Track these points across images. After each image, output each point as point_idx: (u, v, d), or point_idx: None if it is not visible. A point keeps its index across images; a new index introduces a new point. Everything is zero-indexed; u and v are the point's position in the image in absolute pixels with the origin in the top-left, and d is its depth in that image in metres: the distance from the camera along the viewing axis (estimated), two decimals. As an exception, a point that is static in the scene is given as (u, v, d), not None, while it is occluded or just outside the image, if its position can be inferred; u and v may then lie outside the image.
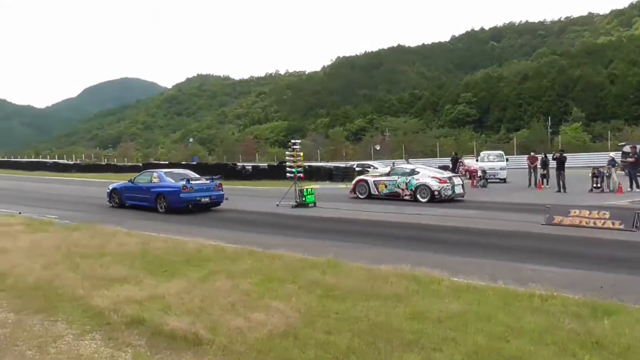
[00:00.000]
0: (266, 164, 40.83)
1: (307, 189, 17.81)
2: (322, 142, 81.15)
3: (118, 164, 60.77)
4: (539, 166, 24.30)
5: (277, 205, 17.45)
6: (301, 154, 18.89)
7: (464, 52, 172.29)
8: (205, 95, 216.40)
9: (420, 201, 18.39)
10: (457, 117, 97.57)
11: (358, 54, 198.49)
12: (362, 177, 21.90)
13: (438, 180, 18.62)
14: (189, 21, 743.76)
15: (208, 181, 17.16)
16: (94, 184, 32.93)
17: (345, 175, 32.06)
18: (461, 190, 19.25)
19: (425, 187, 18.69)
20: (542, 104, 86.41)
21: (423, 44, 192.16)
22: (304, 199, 17.39)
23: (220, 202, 17.04)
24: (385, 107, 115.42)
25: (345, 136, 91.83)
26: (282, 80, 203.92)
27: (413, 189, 18.92)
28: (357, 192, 20.46)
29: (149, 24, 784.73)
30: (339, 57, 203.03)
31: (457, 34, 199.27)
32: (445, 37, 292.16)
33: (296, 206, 17.15)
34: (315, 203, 17.52)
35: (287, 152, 19.23)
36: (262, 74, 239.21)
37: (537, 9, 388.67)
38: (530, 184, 24.48)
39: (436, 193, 18.32)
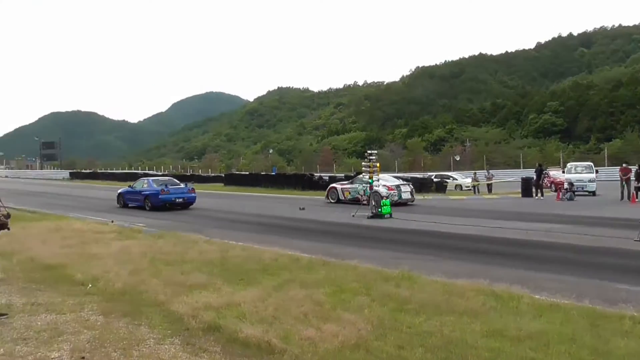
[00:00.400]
0: (343, 175, 40.93)
1: (383, 200, 17.67)
2: (400, 153, 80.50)
3: (202, 174, 63.34)
4: (632, 178, 22.67)
5: (353, 215, 17.45)
6: (378, 164, 18.82)
7: (550, 60, 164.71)
8: (285, 107, 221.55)
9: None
10: (542, 126, 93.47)
11: (438, 63, 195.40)
12: (333, 185, 25.26)
13: (387, 188, 21.44)
14: (270, 36, 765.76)
15: (183, 186, 22.37)
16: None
17: (422, 186, 31.49)
18: (409, 196, 22.65)
19: (377, 193, 20.51)
20: (637, 112, 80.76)
21: (506, 52, 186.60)
22: (380, 209, 17.27)
23: (193, 202, 21.67)
24: (466, 116, 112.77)
25: (424, 147, 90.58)
26: (360, 91, 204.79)
27: (369, 195, 20.95)
28: (329, 197, 24.25)
29: (232, 39, 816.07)
30: (418, 67, 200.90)
31: (542, 41, 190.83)
32: (529, 44, 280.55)
33: (372, 217, 17.06)
34: (391, 214, 17.36)
35: (363, 163, 19.23)
36: (341, 86, 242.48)
37: (631, 12, 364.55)
38: (622, 198, 22.92)
39: (385, 198, 20.21)
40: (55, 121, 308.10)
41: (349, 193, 23.22)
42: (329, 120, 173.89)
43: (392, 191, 21.65)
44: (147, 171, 74.83)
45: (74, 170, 76.30)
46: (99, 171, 75.29)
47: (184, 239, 11.25)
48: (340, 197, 23.54)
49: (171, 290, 6.52)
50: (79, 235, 11.92)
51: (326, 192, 24.74)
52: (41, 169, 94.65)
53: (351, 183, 23.85)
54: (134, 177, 60.40)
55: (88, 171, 73.40)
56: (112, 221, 15.71)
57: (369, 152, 19.22)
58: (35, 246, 10.08)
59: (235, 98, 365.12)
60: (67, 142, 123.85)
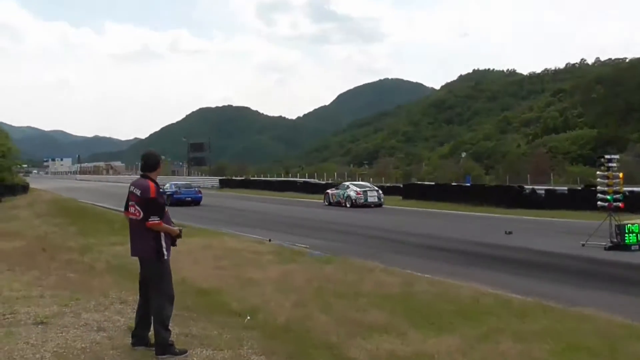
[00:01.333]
0: (566, 188, 38.80)
1: (629, 225, 16.37)
2: (650, 159, 74.02)
3: (374, 184, 64.48)
4: None
5: (583, 245, 16.45)
6: (620, 174, 17.51)
7: None
8: (482, 96, 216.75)
9: (347, 206, 33.92)
10: None
11: None
12: (327, 190, 38.75)
13: (356, 193, 34.24)
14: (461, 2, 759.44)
15: (193, 189, 39.71)
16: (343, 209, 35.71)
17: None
18: (375, 200, 34.46)
19: (349, 197, 34.24)
20: None
21: None
22: (624, 238, 16.03)
23: (200, 200, 37.59)
24: None
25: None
26: (590, 72, 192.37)
27: (345, 198, 34.59)
28: (325, 201, 37.35)
29: (407, 19, 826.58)
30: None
31: None
32: None
33: (611, 247, 15.89)
34: (640, 245, 16.03)
35: (597, 173, 18.04)
36: (561, 65, 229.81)
37: None
38: None
39: (354, 201, 33.82)
40: (203, 118, 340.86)
41: (335, 197, 36.03)
42: (543, 114, 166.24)
43: (359, 195, 34.02)
44: (307, 179, 78.68)
45: (225, 178, 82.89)
46: (252, 178, 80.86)
47: (356, 266, 11.59)
48: (331, 201, 36.39)
49: (344, 330, 6.73)
50: (232, 255, 12.95)
51: (323, 196, 38.20)
52: (188, 175, 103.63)
53: (337, 189, 37.26)
54: (292, 186, 64.04)
55: (240, 179, 79.06)
56: (270, 240, 16.78)
57: (606, 157, 17.93)
58: (187, 266, 11.11)
59: (416, 86, 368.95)
60: (215, 142, 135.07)
